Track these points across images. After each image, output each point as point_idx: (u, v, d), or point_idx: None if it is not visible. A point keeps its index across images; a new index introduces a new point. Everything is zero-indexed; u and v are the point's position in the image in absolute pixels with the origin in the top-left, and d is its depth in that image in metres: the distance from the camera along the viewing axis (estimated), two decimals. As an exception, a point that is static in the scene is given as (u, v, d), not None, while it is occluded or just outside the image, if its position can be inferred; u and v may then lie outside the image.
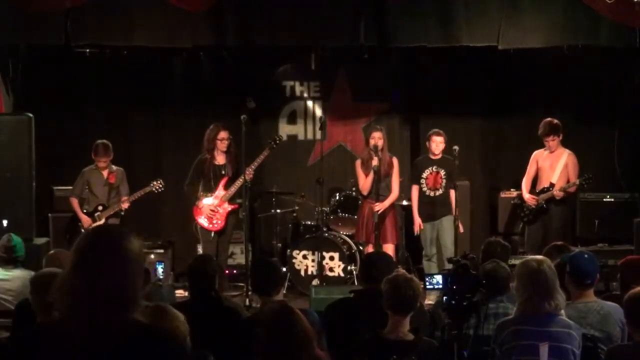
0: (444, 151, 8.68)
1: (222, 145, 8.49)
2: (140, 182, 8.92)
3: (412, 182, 8.85)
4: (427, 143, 8.78)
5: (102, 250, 2.35)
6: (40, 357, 2.31)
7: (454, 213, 8.48)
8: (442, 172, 8.66)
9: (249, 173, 8.31)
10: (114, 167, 8.83)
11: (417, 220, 8.69)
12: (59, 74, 9.91)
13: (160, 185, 8.73)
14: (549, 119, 8.64)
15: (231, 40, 8.63)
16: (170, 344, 2.40)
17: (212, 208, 8.46)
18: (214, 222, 8.50)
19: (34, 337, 2.38)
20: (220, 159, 8.55)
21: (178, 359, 2.41)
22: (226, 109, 9.59)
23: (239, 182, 8.39)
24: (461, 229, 8.49)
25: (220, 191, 8.49)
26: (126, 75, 10.00)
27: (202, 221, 8.51)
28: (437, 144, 8.61)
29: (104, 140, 8.73)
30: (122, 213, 8.76)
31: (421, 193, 8.73)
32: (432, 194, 8.68)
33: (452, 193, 8.64)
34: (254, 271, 5.21)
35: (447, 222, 8.56)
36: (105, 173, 8.75)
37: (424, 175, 8.70)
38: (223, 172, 8.53)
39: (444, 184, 8.66)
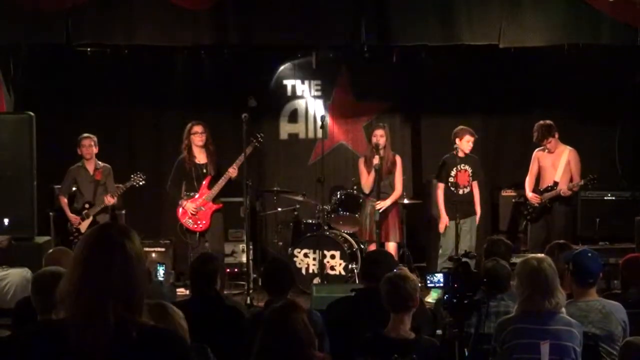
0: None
1: (196, 139, 8.39)
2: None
3: (439, 180, 8.76)
4: (457, 140, 8.54)
5: (102, 249, 2.33)
6: (45, 357, 2.28)
7: (478, 212, 8.60)
8: (470, 170, 8.65)
9: (233, 171, 8.28)
10: (100, 164, 8.82)
11: (445, 218, 8.59)
12: (60, 73, 9.92)
13: (141, 178, 8.69)
14: (540, 122, 8.59)
15: (232, 39, 8.61)
16: (178, 346, 2.38)
17: (195, 208, 8.42)
18: (199, 222, 8.44)
19: (38, 335, 2.35)
20: (200, 158, 8.47)
21: None
22: (227, 107, 9.59)
23: (222, 181, 8.36)
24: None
25: (203, 191, 8.44)
26: (127, 74, 10.01)
27: (187, 222, 8.46)
28: (471, 143, 8.55)
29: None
30: (117, 210, 8.74)
31: (447, 191, 8.67)
32: (459, 191, 8.60)
33: (477, 189, 8.65)
34: (270, 270, 5.18)
35: (471, 223, 8.55)
36: (91, 169, 8.74)
37: (453, 173, 8.62)
38: (205, 171, 8.46)
39: (470, 182, 8.64)
